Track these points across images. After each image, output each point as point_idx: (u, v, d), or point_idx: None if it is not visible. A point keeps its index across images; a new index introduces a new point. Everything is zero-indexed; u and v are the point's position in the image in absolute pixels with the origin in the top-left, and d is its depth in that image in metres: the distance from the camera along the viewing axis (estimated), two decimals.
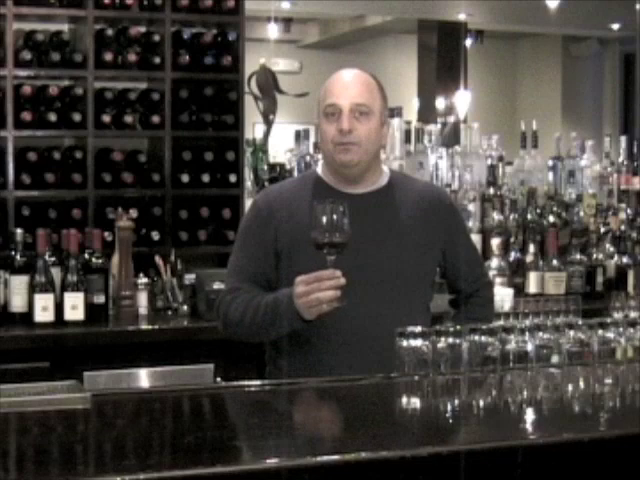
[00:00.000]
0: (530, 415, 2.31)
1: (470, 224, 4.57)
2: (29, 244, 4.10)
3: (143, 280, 4.25)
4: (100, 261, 4.08)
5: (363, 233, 2.92)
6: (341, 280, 2.68)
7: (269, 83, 5.50)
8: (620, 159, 5.35)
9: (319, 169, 3.06)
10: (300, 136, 5.31)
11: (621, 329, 2.60)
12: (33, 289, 3.94)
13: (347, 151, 2.88)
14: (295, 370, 2.87)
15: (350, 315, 2.85)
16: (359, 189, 2.97)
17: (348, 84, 2.92)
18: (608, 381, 2.53)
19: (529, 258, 4.56)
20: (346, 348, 2.86)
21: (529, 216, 4.78)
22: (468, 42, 11.34)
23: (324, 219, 2.66)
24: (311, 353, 2.88)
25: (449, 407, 2.35)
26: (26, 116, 4.48)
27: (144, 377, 3.94)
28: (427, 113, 9.57)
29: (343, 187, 2.97)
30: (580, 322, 2.59)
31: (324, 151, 2.98)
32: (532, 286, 4.51)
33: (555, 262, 4.52)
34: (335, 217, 2.67)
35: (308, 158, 5.09)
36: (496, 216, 4.69)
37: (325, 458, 1.91)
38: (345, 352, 2.86)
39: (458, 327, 2.47)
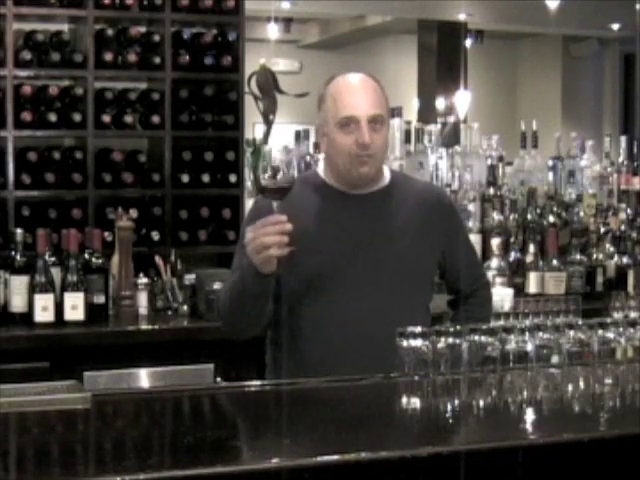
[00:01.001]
0: (530, 415, 2.31)
1: (470, 224, 4.57)
2: (29, 244, 4.10)
3: (143, 280, 4.25)
4: (100, 261, 4.08)
5: (364, 233, 2.92)
6: (287, 226, 2.65)
7: (269, 83, 5.47)
8: (620, 159, 5.35)
9: (320, 170, 3.06)
10: (300, 136, 5.31)
11: (621, 329, 2.60)
12: (33, 289, 3.94)
13: (364, 164, 2.86)
14: (295, 370, 2.87)
15: (350, 315, 2.85)
16: (362, 190, 2.97)
17: (361, 93, 2.87)
18: (608, 381, 2.53)
19: (529, 258, 4.56)
20: (346, 348, 2.86)
21: (529, 216, 4.78)
22: (468, 42, 11.33)
23: (270, 168, 2.66)
24: (311, 353, 2.88)
25: (449, 407, 2.35)
26: (26, 116, 4.48)
27: (144, 377, 3.94)
28: (427, 113, 9.56)
29: (346, 188, 2.96)
30: (580, 322, 2.59)
31: (337, 162, 2.91)
32: (532, 286, 4.51)
33: (555, 262, 4.52)
34: (279, 166, 2.65)
35: (308, 158, 5.09)
36: (496, 216, 4.69)
37: (325, 458, 1.91)
38: (345, 352, 2.86)
39: (458, 327, 2.47)
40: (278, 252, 2.66)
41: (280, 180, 2.66)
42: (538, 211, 4.83)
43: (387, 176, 3.03)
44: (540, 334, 2.54)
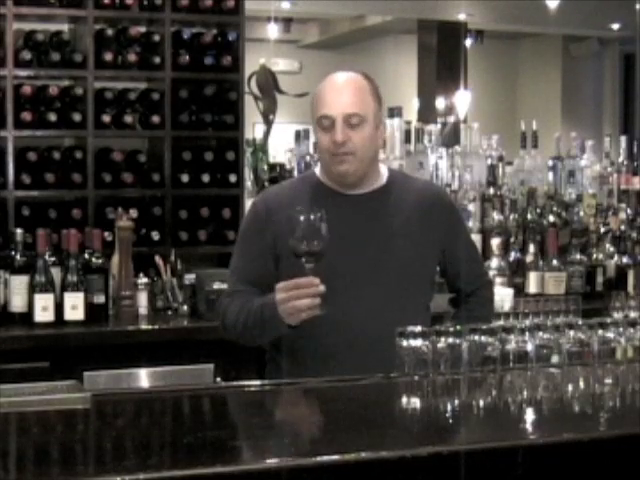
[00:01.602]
0: (530, 415, 2.31)
1: (470, 224, 4.57)
2: (29, 244, 4.10)
3: (143, 280, 4.25)
4: (100, 261, 4.08)
5: (363, 233, 2.92)
6: (320, 288, 2.68)
7: (269, 83, 5.49)
8: (620, 159, 5.35)
9: (318, 170, 3.06)
10: (300, 136, 5.31)
11: (621, 329, 2.60)
12: (33, 289, 3.94)
13: (342, 162, 2.88)
14: (295, 370, 2.87)
15: (350, 315, 2.85)
16: (358, 190, 2.97)
17: (339, 92, 2.89)
18: (608, 381, 2.53)
19: (529, 258, 4.56)
20: (346, 348, 2.86)
21: (529, 216, 4.78)
22: (468, 42, 11.34)
23: (301, 227, 2.66)
24: (311, 353, 2.88)
25: (449, 407, 2.35)
26: (26, 116, 4.48)
27: (144, 377, 3.94)
28: (427, 113, 9.57)
29: (342, 189, 2.97)
30: (580, 322, 2.59)
31: (321, 159, 3.00)
32: (532, 286, 4.51)
33: (555, 262, 4.52)
34: (312, 224, 2.67)
35: (308, 158, 5.09)
36: (496, 216, 4.69)
37: (325, 458, 1.91)
38: (345, 352, 2.86)
39: (458, 327, 2.47)
40: (311, 314, 2.71)
41: (314, 244, 2.67)
42: (538, 211, 4.83)
43: (385, 175, 3.03)
44: (540, 334, 2.54)
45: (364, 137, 2.89)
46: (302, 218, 2.67)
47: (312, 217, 2.67)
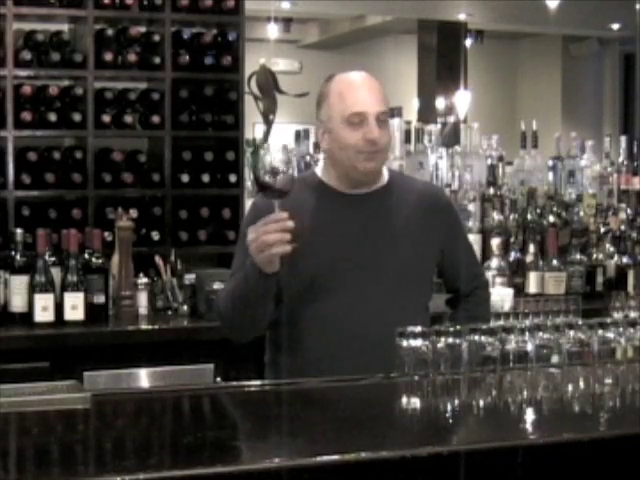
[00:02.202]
0: (530, 415, 2.31)
1: (470, 224, 4.57)
2: (29, 244, 4.10)
3: (143, 280, 4.25)
4: (100, 261, 4.08)
5: (363, 233, 2.92)
6: (288, 223, 2.66)
7: (269, 83, 5.47)
8: (620, 159, 5.35)
9: (319, 170, 3.06)
10: (300, 136, 5.31)
11: (621, 329, 2.60)
12: (33, 289, 3.94)
13: (371, 159, 2.88)
14: (295, 370, 2.87)
15: (349, 314, 2.85)
16: (360, 189, 2.97)
17: (367, 90, 2.90)
18: (608, 381, 2.53)
19: (529, 258, 4.56)
20: (346, 348, 2.86)
21: (529, 216, 4.78)
22: (468, 42, 11.33)
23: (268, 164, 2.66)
24: (311, 353, 2.88)
25: (449, 407, 2.35)
26: (26, 116, 4.48)
27: (144, 377, 3.94)
28: (427, 113, 9.56)
29: (345, 188, 2.97)
30: (580, 322, 2.59)
31: (341, 158, 2.91)
32: (532, 286, 4.51)
33: (555, 262, 4.52)
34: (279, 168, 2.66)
35: (308, 158, 5.09)
36: (496, 216, 4.69)
37: (325, 458, 1.91)
38: (345, 352, 2.86)
39: (458, 327, 2.47)
40: (280, 250, 2.67)
41: (280, 180, 2.67)
42: (538, 211, 4.82)
43: (385, 175, 3.03)
44: (540, 334, 2.54)
45: (389, 134, 2.94)
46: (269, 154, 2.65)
47: (280, 159, 2.66)
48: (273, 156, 5.22)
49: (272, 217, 2.68)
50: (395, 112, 4.85)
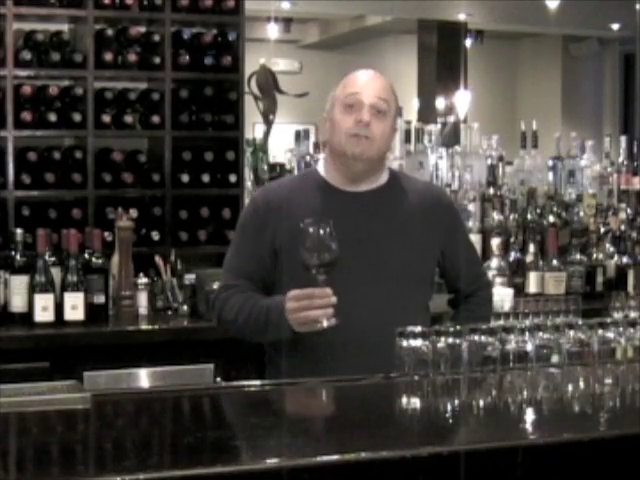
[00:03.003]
0: (530, 415, 2.31)
1: (470, 224, 4.57)
2: (29, 244, 4.10)
3: (143, 280, 4.25)
4: (100, 261, 4.08)
5: (364, 231, 2.92)
6: (332, 299, 2.71)
7: (269, 83, 5.49)
8: (620, 159, 5.35)
9: (320, 167, 3.06)
10: (300, 136, 5.31)
11: (621, 329, 2.60)
12: (33, 289, 3.94)
13: (359, 144, 2.89)
14: (295, 370, 2.87)
15: (349, 314, 2.85)
16: (360, 187, 2.97)
17: (369, 80, 2.95)
18: (608, 381, 2.53)
19: (529, 258, 4.56)
20: (346, 347, 2.86)
21: (529, 216, 4.78)
22: (468, 42, 11.33)
23: (311, 240, 2.68)
24: (311, 353, 2.88)
25: (449, 407, 2.35)
26: (26, 116, 4.48)
27: (144, 377, 3.93)
28: (427, 113, 9.56)
29: (344, 185, 2.97)
30: (580, 322, 2.59)
31: (333, 143, 2.95)
32: (532, 286, 4.51)
33: (555, 262, 4.52)
34: (322, 236, 2.68)
35: (308, 158, 5.09)
36: (496, 216, 4.69)
37: (325, 458, 1.91)
38: (345, 351, 2.86)
39: (458, 327, 2.47)
40: (322, 326, 2.73)
41: (325, 256, 2.69)
42: (538, 211, 4.83)
43: (386, 175, 3.03)
44: (540, 334, 2.54)
45: (384, 128, 2.93)
46: (311, 230, 2.68)
47: (321, 230, 2.68)
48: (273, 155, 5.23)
49: (317, 292, 2.71)
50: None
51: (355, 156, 2.90)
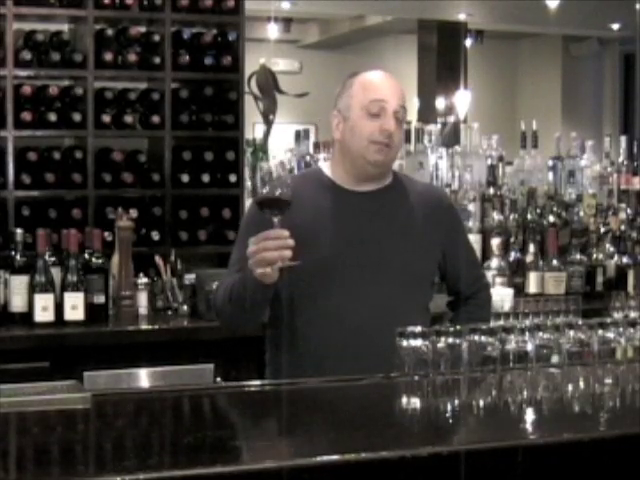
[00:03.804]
0: (530, 415, 2.31)
1: (470, 224, 4.56)
2: (29, 244, 4.10)
3: (143, 280, 4.25)
4: (100, 261, 4.08)
5: (366, 231, 2.93)
6: (288, 241, 2.64)
7: (269, 83, 5.49)
8: (620, 159, 5.34)
9: (323, 166, 3.06)
10: (300, 136, 5.31)
11: (621, 329, 2.59)
12: (33, 289, 3.94)
13: (381, 152, 2.89)
14: (295, 370, 2.87)
15: (350, 314, 2.85)
16: (365, 187, 2.97)
17: (390, 85, 2.93)
18: (608, 381, 2.53)
19: (529, 258, 4.56)
20: (346, 347, 2.86)
21: (529, 216, 4.78)
22: (468, 42, 11.33)
23: (265, 178, 2.65)
24: (311, 353, 2.88)
25: (449, 407, 2.35)
26: (26, 116, 4.48)
27: (144, 377, 3.94)
28: (427, 113, 9.56)
29: (349, 185, 2.97)
30: (580, 322, 2.59)
31: (352, 146, 2.92)
32: (532, 286, 4.51)
33: (555, 262, 4.52)
34: (277, 177, 2.65)
35: (308, 158, 5.09)
36: (496, 216, 4.69)
37: (325, 458, 1.91)
38: (345, 351, 2.86)
39: (458, 327, 2.47)
40: (279, 267, 2.67)
41: (279, 194, 2.65)
42: (538, 211, 4.82)
43: (390, 175, 3.04)
44: (540, 334, 2.54)
45: (401, 134, 2.96)
46: (267, 169, 2.66)
47: (278, 169, 2.66)
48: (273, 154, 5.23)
49: (271, 233, 2.66)
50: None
51: (376, 163, 2.91)
